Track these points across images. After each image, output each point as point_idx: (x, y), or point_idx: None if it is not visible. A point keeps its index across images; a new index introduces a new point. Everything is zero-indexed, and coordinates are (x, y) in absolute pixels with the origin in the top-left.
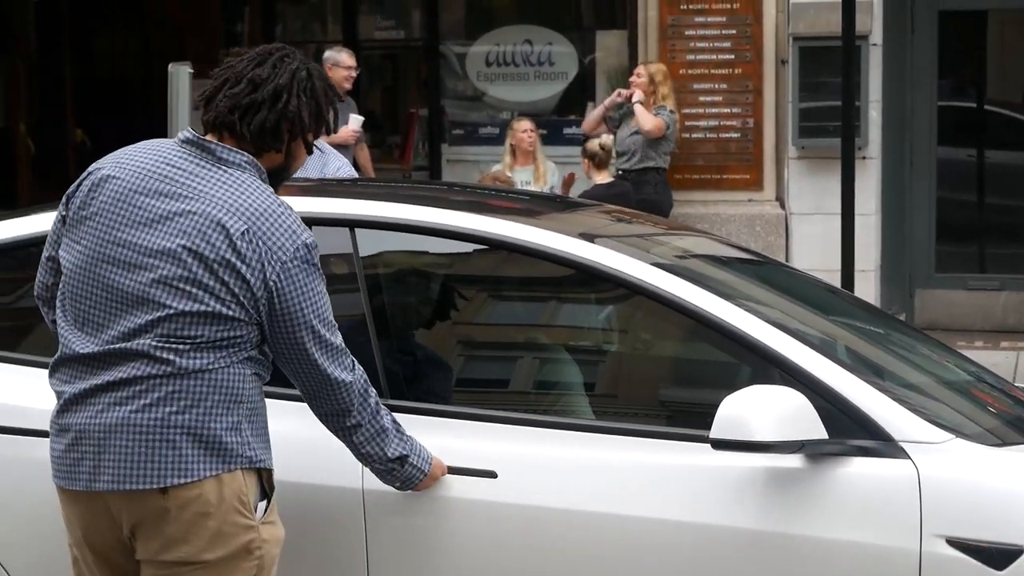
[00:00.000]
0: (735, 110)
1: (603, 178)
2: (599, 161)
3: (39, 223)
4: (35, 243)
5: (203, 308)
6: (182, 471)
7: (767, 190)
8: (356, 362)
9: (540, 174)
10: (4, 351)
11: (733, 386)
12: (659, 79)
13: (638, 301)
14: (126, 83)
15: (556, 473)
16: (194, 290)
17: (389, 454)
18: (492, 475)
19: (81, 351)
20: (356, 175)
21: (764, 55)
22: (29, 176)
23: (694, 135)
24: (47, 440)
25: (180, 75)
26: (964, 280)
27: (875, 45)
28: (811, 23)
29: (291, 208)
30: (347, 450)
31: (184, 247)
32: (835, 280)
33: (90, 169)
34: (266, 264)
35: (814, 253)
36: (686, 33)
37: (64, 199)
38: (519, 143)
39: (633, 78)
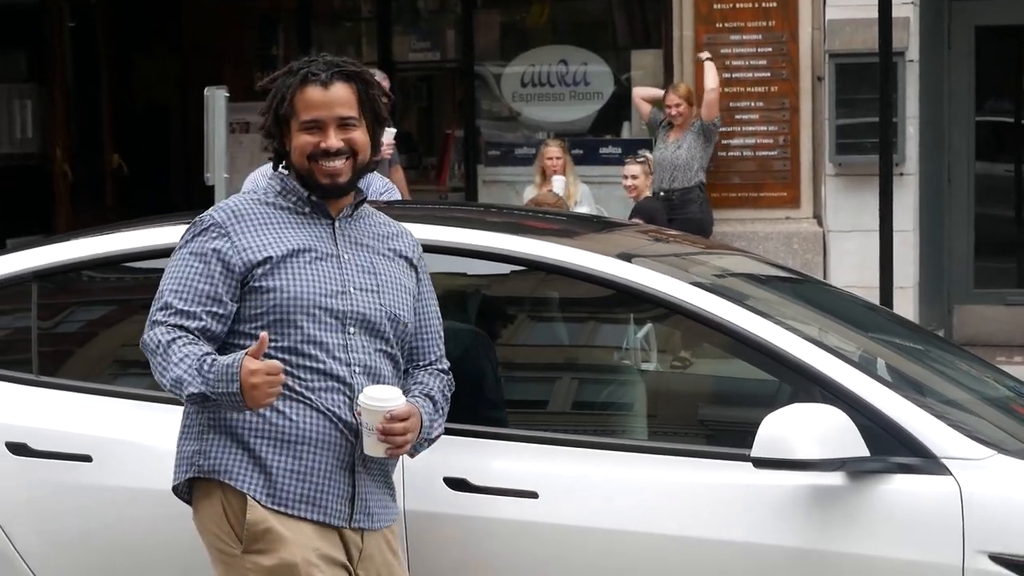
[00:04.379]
0: (772, 128)
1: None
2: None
3: (76, 249)
4: (76, 268)
5: None
6: (177, 473)
7: (804, 207)
8: (157, 323)
9: (570, 194)
10: (49, 376)
11: (774, 405)
12: (692, 99)
13: (677, 320)
14: (163, 110)
15: (596, 493)
16: None
17: (190, 391)
18: (533, 495)
19: None
20: (399, 197)
21: (800, 72)
22: (67, 202)
23: (731, 153)
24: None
25: (216, 99)
26: (1003, 295)
27: (912, 61)
28: (847, 40)
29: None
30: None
31: None
32: (874, 297)
33: None
34: None
35: (852, 270)
36: (722, 51)
37: None
38: (547, 167)
39: (671, 109)
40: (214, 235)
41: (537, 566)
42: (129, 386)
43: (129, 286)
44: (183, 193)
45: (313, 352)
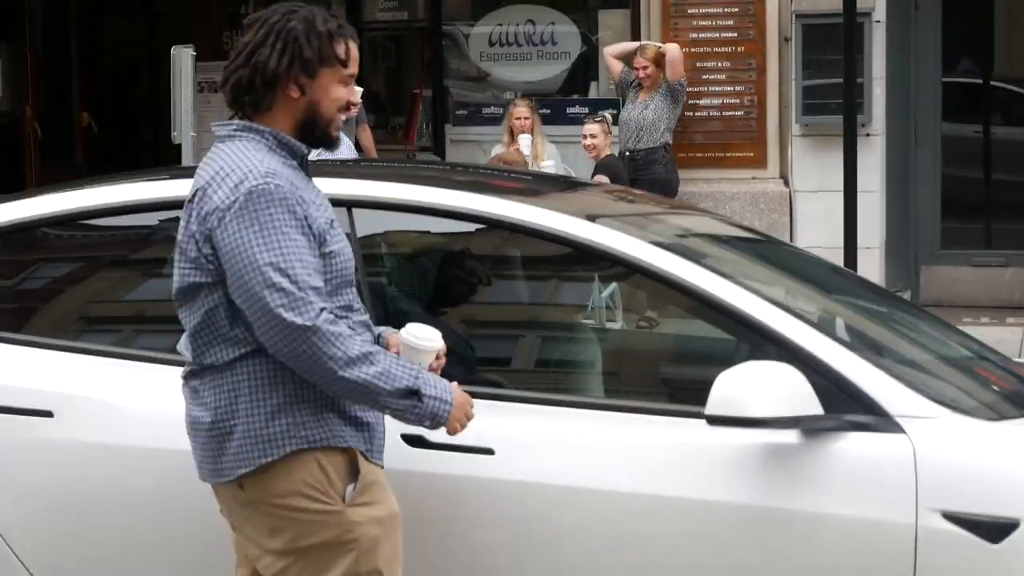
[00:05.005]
0: (738, 88)
1: (613, 149)
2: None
3: (34, 206)
4: (37, 225)
5: (181, 282)
6: (243, 462)
7: (771, 168)
8: (326, 310)
9: (537, 154)
10: (10, 332)
11: (731, 364)
12: (660, 62)
13: (636, 280)
14: (133, 69)
15: (552, 449)
16: (177, 267)
17: (397, 387)
18: (490, 452)
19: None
20: (355, 156)
21: (767, 33)
22: (37, 161)
23: (697, 113)
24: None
25: (183, 58)
26: (969, 256)
27: (878, 22)
28: (814, 1)
29: (253, 162)
30: None
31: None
32: (839, 257)
33: None
34: (209, 218)
35: (818, 230)
36: (689, 11)
37: None
38: (515, 127)
39: (639, 71)
40: (293, 203)
41: (493, 522)
42: (90, 342)
43: (89, 243)
44: (152, 151)
45: (358, 306)
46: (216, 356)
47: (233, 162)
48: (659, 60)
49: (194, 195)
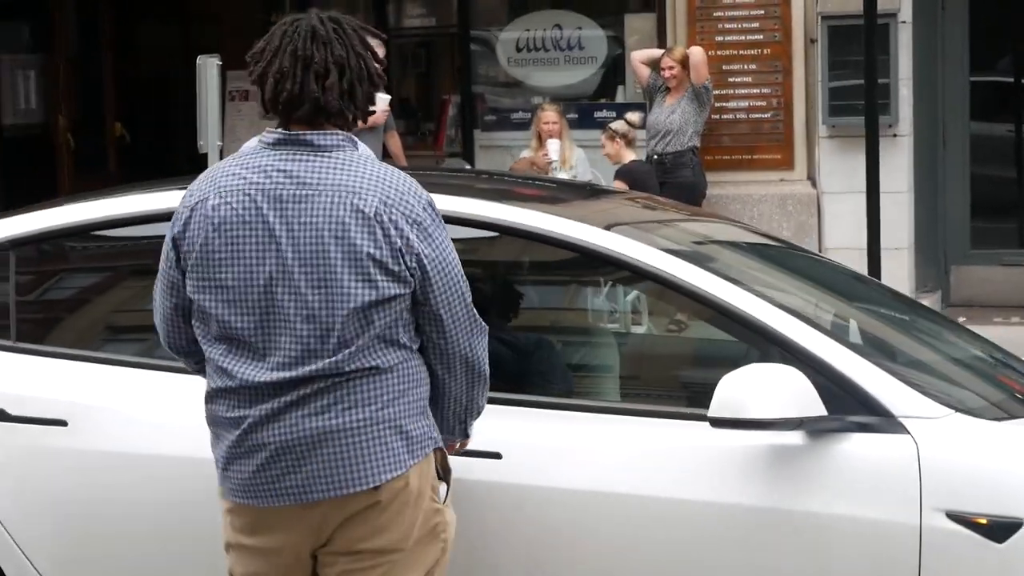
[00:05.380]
0: (765, 90)
1: (634, 155)
2: (631, 139)
3: (53, 217)
4: (52, 237)
5: (379, 295)
6: (392, 465)
7: (798, 169)
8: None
9: (565, 159)
10: (32, 343)
11: (737, 367)
12: (687, 63)
13: (646, 285)
14: (165, 78)
15: (558, 453)
16: (364, 281)
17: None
18: (497, 456)
19: (260, 379)
20: None
21: (793, 35)
22: (70, 171)
23: (724, 116)
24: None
25: (208, 67)
26: (1000, 256)
27: (904, 23)
28: (840, 2)
29: (401, 173)
30: None
31: (335, 243)
32: (863, 258)
33: (190, 203)
34: (408, 230)
35: (846, 231)
36: (715, 15)
37: (170, 244)
38: (543, 132)
39: (665, 72)
40: None
41: (501, 526)
42: (106, 352)
43: (107, 253)
44: (185, 161)
45: None
46: (383, 359)
47: (389, 173)
48: (685, 61)
49: (376, 211)
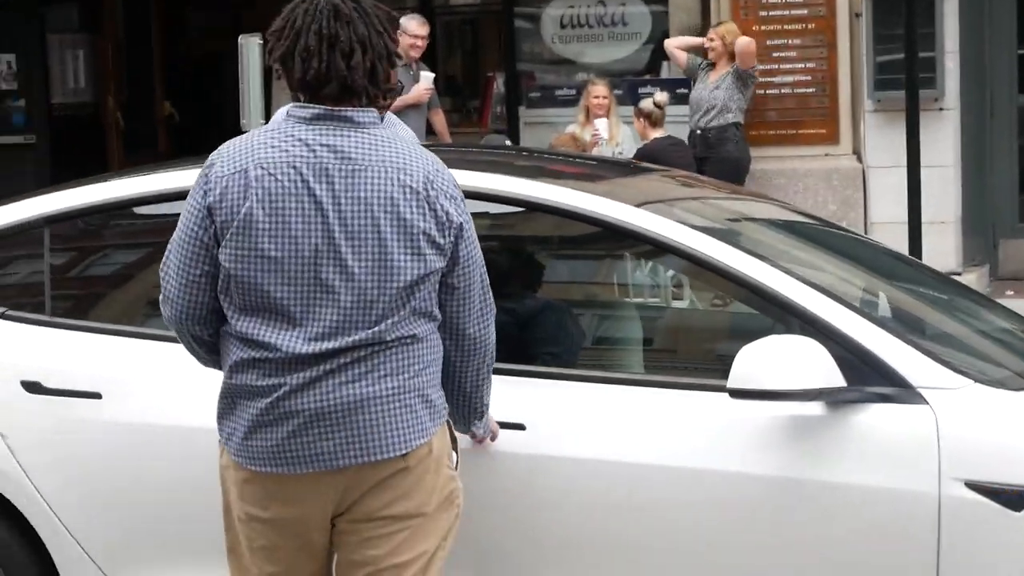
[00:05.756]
0: (810, 65)
1: (661, 133)
2: (655, 119)
3: (87, 194)
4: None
5: (427, 269)
6: (420, 432)
7: (844, 144)
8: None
9: (612, 135)
10: (62, 317)
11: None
12: (730, 40)
13: (671, 261)
14: (215, 57)
15: (579, 424)
16: (415, 255)
17: (487, 400)
18: (521, 427)
19: (301, 350)
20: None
21: (837, 9)
22: (119, 151)
23: (769, 91)
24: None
25: (250, 47)
26: None
27: None
28: None
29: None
30: None
31: (386, 218)
32: (905, 232)
33: (224, 173)
34: (448, 205)
35: (892, 206)
36: None
37: (204, 212)
38: (592, 107)
39: (706, 42)
40: None
41: (524, 496)
42: (139, 325)
43: (140, 230)
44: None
45: None
46: (419, 328)
47: (423, 150)
48: (724, 39)
49: (423, 186)
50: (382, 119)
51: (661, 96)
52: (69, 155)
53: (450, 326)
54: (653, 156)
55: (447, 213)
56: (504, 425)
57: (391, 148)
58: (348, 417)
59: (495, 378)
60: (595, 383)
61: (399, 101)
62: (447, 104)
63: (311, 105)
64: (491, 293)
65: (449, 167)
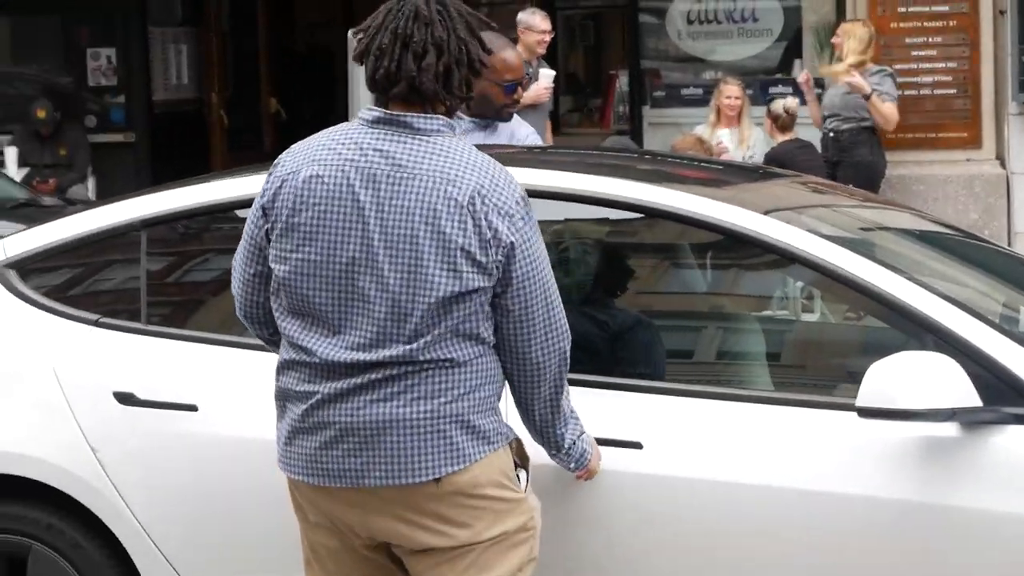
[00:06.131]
0: (951, 64)
1: (786, 136)
2: (783, 124)
3: (185, 196)
4: (184, 216)
5: (463, 287)
6: (455, 459)
7: (986, 148)
8: (570, 337)
9: (744, 138)
10: (157, 326)
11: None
12: (863, 38)
13: (799, 271)
14: (325, 51)
15: (700, 443)
16: (450, 271)
17: (572, 432)
18: (638, 446)
19: (336, 358)
20: (542, 143)
21: (980, 5)
22: (223, 149)
23: (907, 92)
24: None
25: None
26: None
27: None
28: None
29: (497, 164)
30: None
31: (425, 230)
32: None
33: (281, 174)
34: (497, 222)
35: None
36: None
37: (259, 211)
38: (723, 108)
39: (835, 38)
40: None
41: (643, 518)
42: (238, 335)
43: (235, 235)
44: None
45: None
46: (459, 352)
47: (485, 162)
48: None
49: (470, 200)
50: (453, 127)
51: (792, 102)
52: (171, 154)
53: (509, 350)
54: (780, 160)
55: (495, 230)
56: (620, 443)
57: (446, 158)
58: (377, 436)
59: (609, 393)
60: (718, 399)
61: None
62: (568, 103)
63: (377, 108)
64: (562, 317)
65: (565, 170)
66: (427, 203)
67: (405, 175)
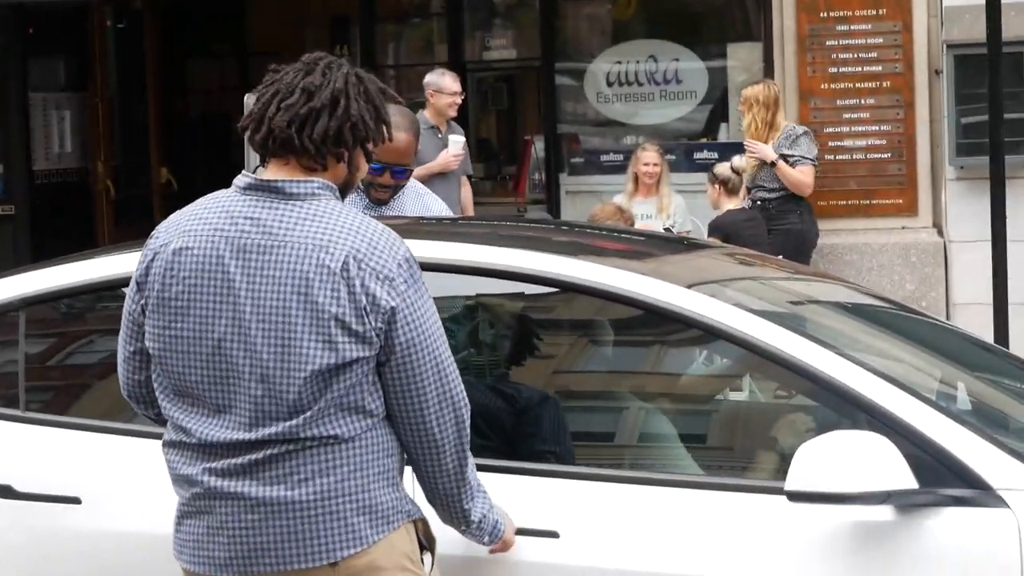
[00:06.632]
0: (884, 127)
1: (736, 203)
2: (732, 187)
3: (70, 273)
4: (68, 295)
5: (340, 359)
6: (352, 541)
7: (923, 215)
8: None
9: (663, 207)
10: (37, 412)
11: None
12: (765, 102)
13: (724, 347)
14: (221, 118)
15: (618, 530)
16: (324, 342)
17: (481, 505)
18: (554, 535)
19: (214, 438)
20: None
21: (915, 65)
22: (110, 221)
23: (839, 156)
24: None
25: None
26: None
27: None
28: (967, 29)
29: (378, 224)
30: None
31: (297, 300)
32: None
33: (154, 247)
34: (375, 287)
35: (978, 284)
36: (827, 43)
37: (134, 287)
38: (641, 175)
39: (740, 105)
40: None
41: None
42: (126, 422)
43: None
44: None
45: None
46: (345, 427)
47: (364, 225)
48: (757, 101)
49: (343, 266)
50: (343, 192)
51: (739, 160)
52: (53, 227)
53: (402, 422)
54: (725, 231)
55: (372, 296)
56: (535, 532)
57: (318, 224)
58: (265, 521)
59: (522, 478)
60: (640, 484)
61: (423, 169)
62: (480, 171)
63: (249, 175)
64: (458, 385)
65: (480, 243)
66: (299, 272)
67: (276, 243)
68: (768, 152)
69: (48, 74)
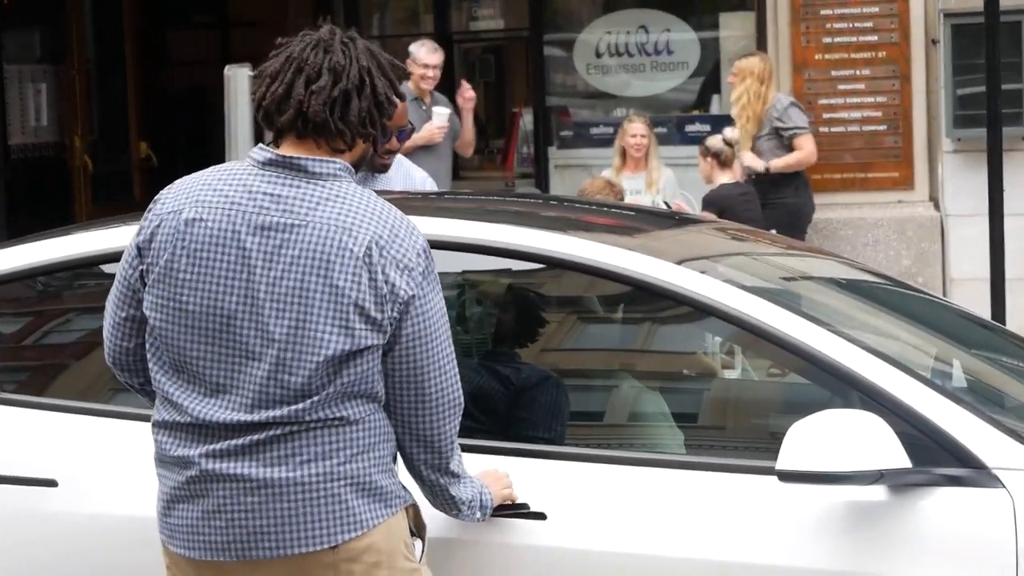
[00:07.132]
0: (880, 99)
1: (729, 177)
2: (725, 160)
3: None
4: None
5: (355, 345)
6: (352, 524)
7: (919, 189)
8: (462, 404)
9: (652, 181)
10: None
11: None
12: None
13: (715, 325)
14: (200, 91)
15: (608, 512)
16: (342, 328)
17: (471, 490)
18: (542, 517)
19: (214, 418)
20: (437, 188)
21: (912, 35)
22: (88, 196)
23: (833, 129)
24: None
25: (238, 79)
26: None
27: None
28: None
29: (397, 212)
30: None
31: (316, 282)
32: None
33: (160, 212)
34: (395, 276)
35: (974, 259)
36: (822, 13)
37: (134, 251)
38: (628, 148)
39: (731, 77)
40: None
41: None
42: (104, 403)
43: (107, 292)
44: None
45: None
46: (351, 410)
47: (386, 210)
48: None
49: (367, 251)
50: (358, 171)
51: (732, 132)
52: (29, 203)
53: (395, 411)
54: (720, 205)
55: (392, 285)
56: (522, 515)
57: (341, 205)
58: (264, 504)
59: (509, 459)
60: (629, 464)
61: (408, 142)
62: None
63: (268, 149)
64: (456, 382)
65: (466, 219)
66: (320, 254)
67: (297, 222)
68: (757, 163)
69: (24, 46)
